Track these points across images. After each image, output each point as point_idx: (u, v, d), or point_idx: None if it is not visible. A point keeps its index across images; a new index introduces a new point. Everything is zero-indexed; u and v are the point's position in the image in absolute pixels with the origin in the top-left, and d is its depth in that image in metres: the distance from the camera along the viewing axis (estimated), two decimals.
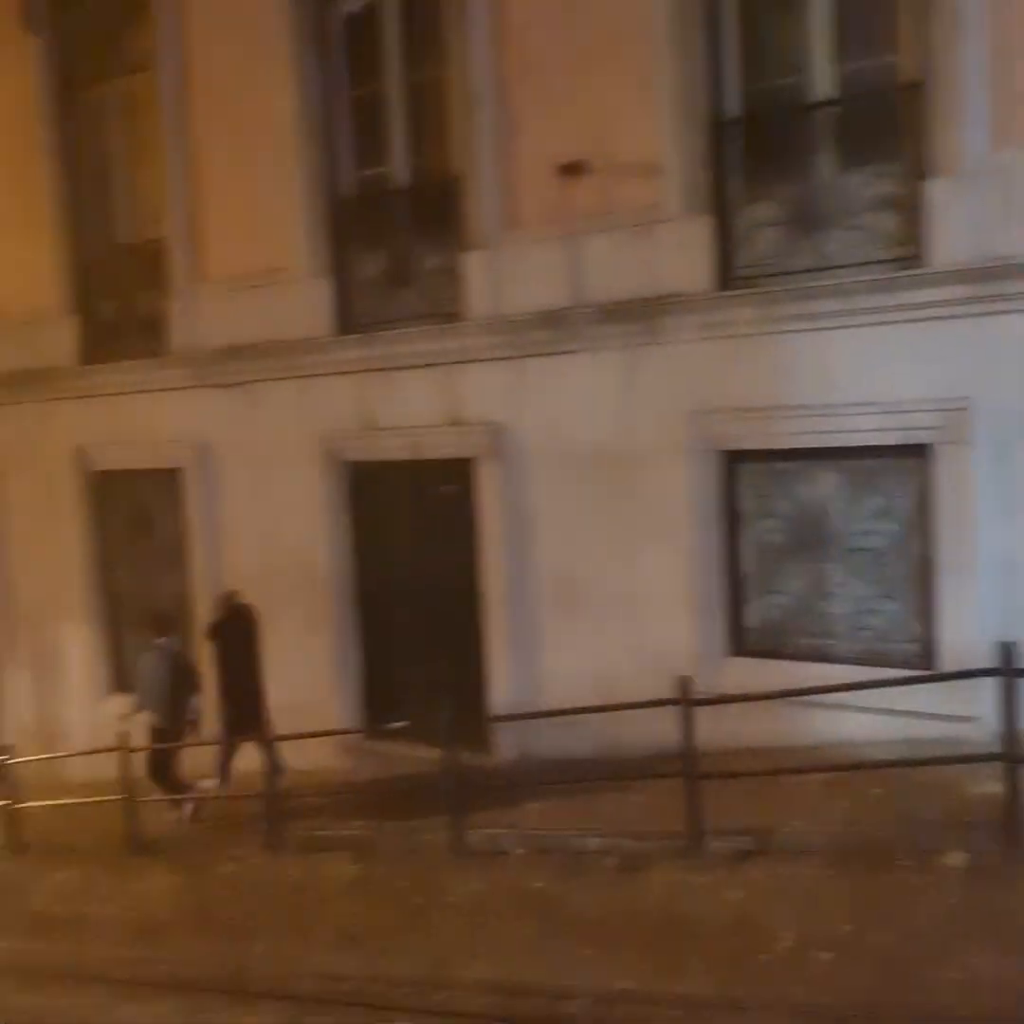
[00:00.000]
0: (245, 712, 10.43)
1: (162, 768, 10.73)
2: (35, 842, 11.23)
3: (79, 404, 13.17)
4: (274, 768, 10.00)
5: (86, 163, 13.17)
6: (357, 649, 11.32)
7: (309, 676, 11.41)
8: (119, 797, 10.72)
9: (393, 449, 10.76)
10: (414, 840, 8.83)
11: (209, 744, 10.65)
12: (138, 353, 12.66)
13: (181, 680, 10.62)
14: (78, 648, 13.46)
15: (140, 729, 10.71)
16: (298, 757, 10.04)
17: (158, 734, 10.67)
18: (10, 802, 11.40)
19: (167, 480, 12.55)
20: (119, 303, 13.11)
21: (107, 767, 11.17)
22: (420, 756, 10.05)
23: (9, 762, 11.66)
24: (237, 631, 10.66)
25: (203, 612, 12.09)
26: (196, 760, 10.87)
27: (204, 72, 11.80)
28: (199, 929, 8.17)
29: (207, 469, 12.12)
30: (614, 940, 6.53)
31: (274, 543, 11.63)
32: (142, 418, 12.58)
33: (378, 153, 10.88)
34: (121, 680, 13.06)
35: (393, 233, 10.80)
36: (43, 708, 13.92)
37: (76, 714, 13.54)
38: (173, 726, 10.62)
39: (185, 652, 11.14)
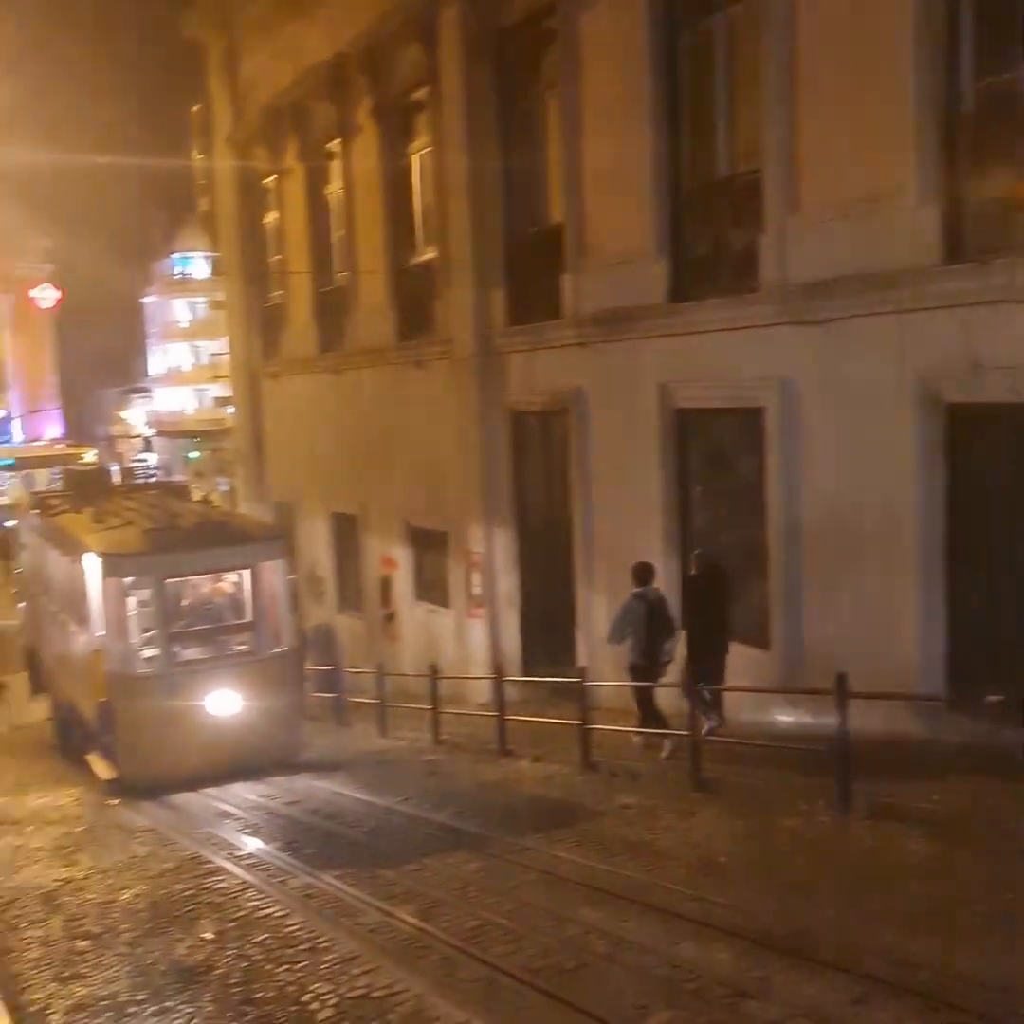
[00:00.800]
0: (707, 663, 11.31)
1: (644, 704, 12.00)
2: (604, 763, 11.68)
3: (664, 342, 13.34)
4: (718, 720, 11.31)
5: (684, 100, 13.18)
6: (944, 608, 10.36)
7: (884, 629, 10.69)
8: (682, 733, 10.82)
9: (1003, 391, 9.60)
10: (1006, 827, 7.89)
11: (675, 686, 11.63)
12: (725, 290, 12.53)
13: (658, 625, 11.79)
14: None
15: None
16: (866, 715, 9.39)
17: (636, 672, 11.91)
18: (582, 722, 11.93)
19: (747, 420, 12.33)
20: (710, 240, 13.04)
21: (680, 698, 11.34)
22: (1013, 736, 9.01)
23: (584, 684, 12.19)
24: (709, 589, 11.69)
25: (776, 552, 11.84)
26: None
27: None
28: (760, 879, 7.89)
29: (789, 409, 11.69)
30: None
31: (857, 487, 10.97)
32: (725, 357, 12.44)
33: (1010, 55, 9.62)
34: None
35: None
36: None
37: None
38: (650, 666, 11.86)
39: (664, 600, 12.07)
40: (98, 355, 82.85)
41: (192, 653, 13.76)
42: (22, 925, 8.76)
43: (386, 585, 20.43)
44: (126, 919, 8.58)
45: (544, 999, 6.10)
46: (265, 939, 7.63)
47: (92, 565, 13.87)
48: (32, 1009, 6.96)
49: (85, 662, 14.47)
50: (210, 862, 9.77)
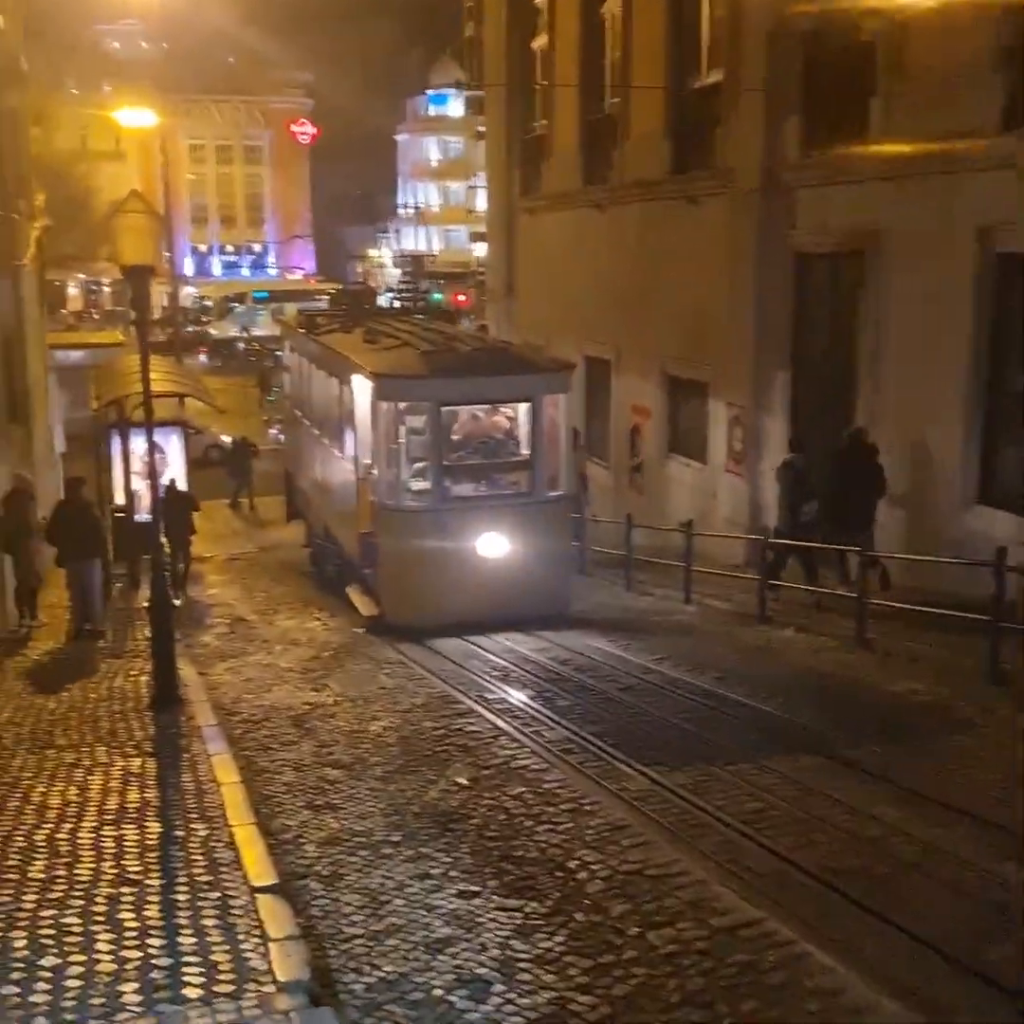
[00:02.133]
0: (845, 529, 12.10)
1: (775, 565, 12.78)
2: (878, 640, 10.67)
3: (991, 177, 11.56)
4: (882, 582, 11.87)
5: None
6: None
7: None
8: (980, 617, 9.60)
9: None
10: None
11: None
12: None
13: (800, 490, 12.75)
14: (945, 449, 12.34)
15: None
16: None
17: (776, 535, 13.01)
18: (860, 595, 10.92)
19: None
20: None
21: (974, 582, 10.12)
22: None
23: (868, 554, 11.14)
24: (856, 462, 12.41)
25: None
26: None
27: None
28: None
29: None
30: None
31: None
32: None
33: None
34: (990, 490, 11.79)
35: None
36: (907, 510, 13.12)
37: (942, 523, 12.50)
38: (789, 529, 12.81)
39: (808, 468, 12.99)
40: (348, 192, 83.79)
41: (464, 490, 12.63)
42: (274, 747, 8.62)
43: (636, 434, 19.54)
44: (376, 752, 8.29)
45: (854, 909, 5.31)
46: (523, 793, 7.13)
47: (363, 387, 13.00)
48: (285, 836, 6.70)
49: (348, 492, 13.91)
50: (460, 703, 9.40)
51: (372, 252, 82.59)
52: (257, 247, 78.09)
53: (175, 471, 18.94)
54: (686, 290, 17.40)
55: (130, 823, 6.68)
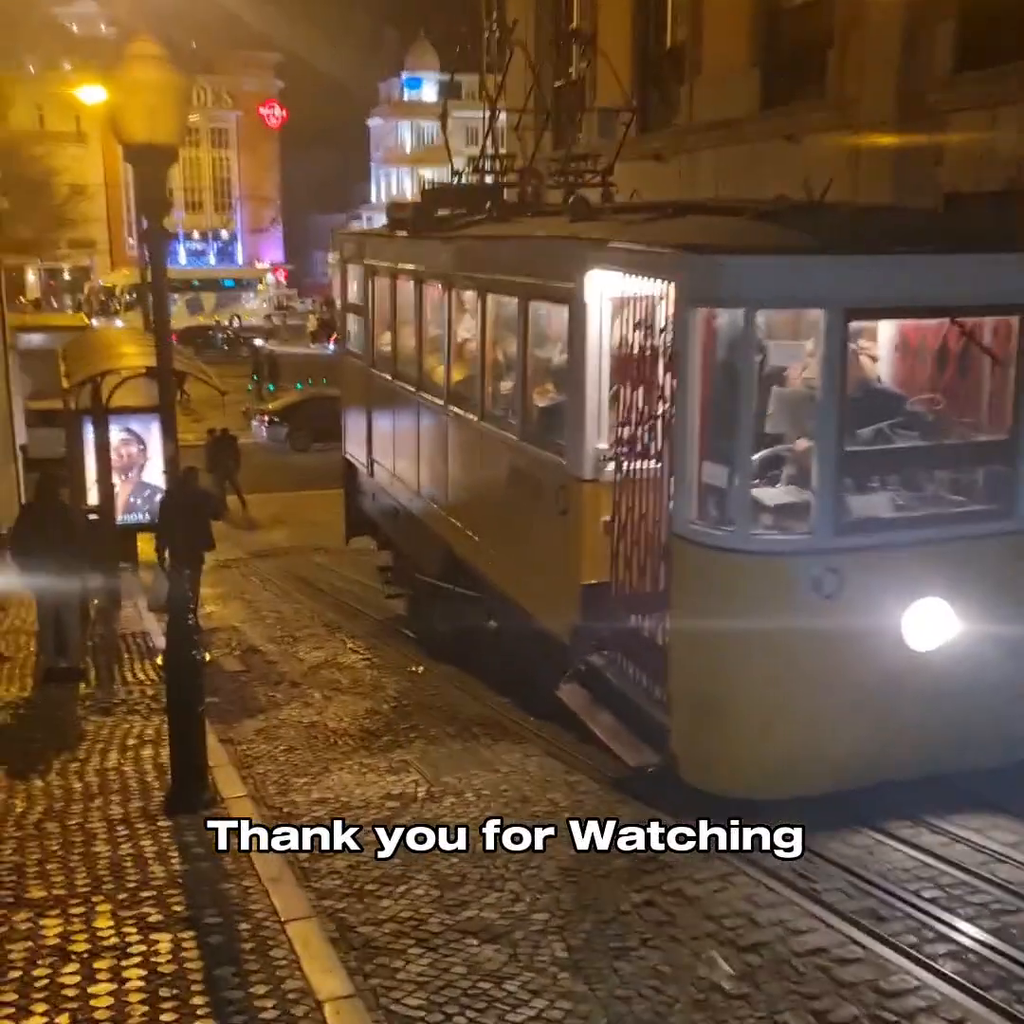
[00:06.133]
0: None
1: None
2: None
3: None
4: None
5: None
6: None
7: None
8: None
9: None
10: None
11: None
12: None
13: None
14: None
15: None
16: None
17: None
18: None
19: None
20: None
21: None
22: None
23: None
24: None
25: None
26: None
27: None
28: None
29: None
30: None
31: None
32: None
33: None
34: None
35: None
36: None
37: None
38: None
39: None
40: (319, 179, 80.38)
41: (879, 505, 6.18)
42: (370, 888, 5.48)
43: None
44: (535, 906, 5.19)
45: None
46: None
47: (602, 292, 6.89)
48: None
49: (540, 504, 7.69)
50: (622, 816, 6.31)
51: None
52: (225, 234, 74.33)
53: (157, 466, 15.67)
54: None
55: None
